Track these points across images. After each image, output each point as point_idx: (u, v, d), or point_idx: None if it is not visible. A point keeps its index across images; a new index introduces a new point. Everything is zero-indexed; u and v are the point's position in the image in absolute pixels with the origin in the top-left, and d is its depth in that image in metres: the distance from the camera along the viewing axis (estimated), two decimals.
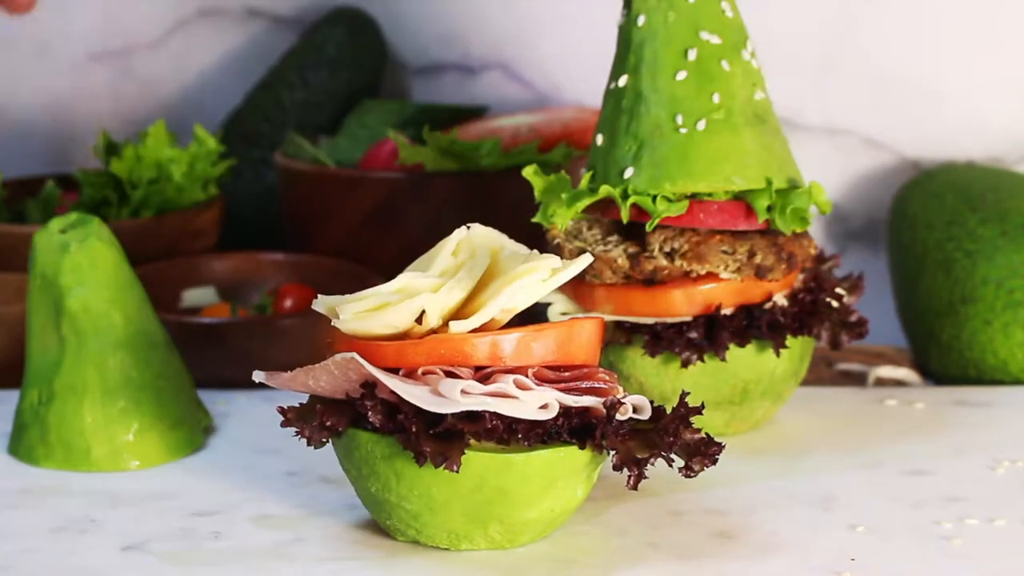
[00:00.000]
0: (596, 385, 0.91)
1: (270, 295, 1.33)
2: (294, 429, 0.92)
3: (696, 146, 1.06)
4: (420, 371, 0.90)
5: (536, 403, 0.89)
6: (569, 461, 0.90)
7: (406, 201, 1.35)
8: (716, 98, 1.07)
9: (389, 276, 0.92)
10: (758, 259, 1.07)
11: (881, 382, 1.26)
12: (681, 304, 1.08)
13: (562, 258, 1.01)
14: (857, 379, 1.28)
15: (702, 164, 1.06)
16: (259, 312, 1.31)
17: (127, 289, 1.09)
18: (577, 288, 1.10)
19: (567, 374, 0.92)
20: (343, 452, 0.93)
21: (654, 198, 1.06)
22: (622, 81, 1.09)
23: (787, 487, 1.02)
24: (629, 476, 0.90)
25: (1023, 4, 1.45)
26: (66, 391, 1.06)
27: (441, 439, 0.88)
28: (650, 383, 1.09)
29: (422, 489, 0.90)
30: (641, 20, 1.08)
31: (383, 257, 1.34)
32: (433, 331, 0.91)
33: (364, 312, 0.91)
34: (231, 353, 1.20)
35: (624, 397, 0.91)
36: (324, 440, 0.92)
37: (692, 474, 0.91)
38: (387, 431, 0.90)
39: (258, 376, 0.94)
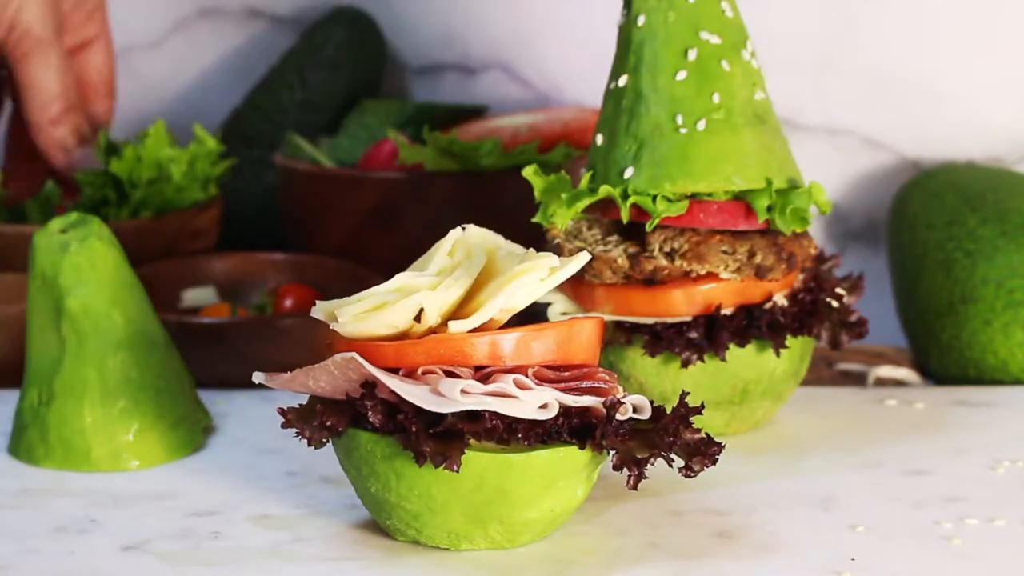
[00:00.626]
0: (596, 385, 0.91)
1: (270, 295, 1.33)
2: (294, 429, 0.92)
3: (696, 146, 1.06)
4: (420, 371, 0.90)
5: (536, 403, 0.89)
6: (569, 461, 0.90)
7: (406, 201, 1.35)
8: (716, 98, 1.07)
9: (389, 276, 0.92)
10: (758, 259, 1.07)
11: (881, 382, 1.26)
12: (681, 304, 1.08)
13: (561, 258, 1.01)
14: (857, 379, 1.28)
15: (702, 164, 1.06)
16: (259, 312, 1.31)
17: (127, 289, 1.09)
18: (577, 288, 1.10)
19: (567, 374, 0.91)
20: (343, 452, 0.93)
21: (654, 198, 1.06)
22: (622, 81, 1.09)
23: (787, 487, 1.02)
24: (629, 476, 0.89)
25: (1023, 4, 1.45)
26: (66, 391, 1.06)
27: (441, 439, 0.88)
28: (650, 383, 1.09)
29: (422, 489, 0.90)
30: (641, 20, 1.08)
31: (383, 257, 1.34)
32: (432, 330, 0.91)
33: (362, 313, 0.91)
34: (231, 353, 1.20)
35: (624, 397, 0.91)
36: (324, 440, 0.92)
37: (692, 474, 0.91)
38: (387, 431, 0.90)
39: (258, 377, 0.94)
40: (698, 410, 0.92)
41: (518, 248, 0.93)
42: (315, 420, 0.91)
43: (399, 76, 1.58)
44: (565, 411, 0.90)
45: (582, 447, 0.90)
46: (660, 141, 1.07)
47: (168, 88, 1.59)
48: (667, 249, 1.07)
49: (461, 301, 0.91)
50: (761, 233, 1.09)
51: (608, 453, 0.91)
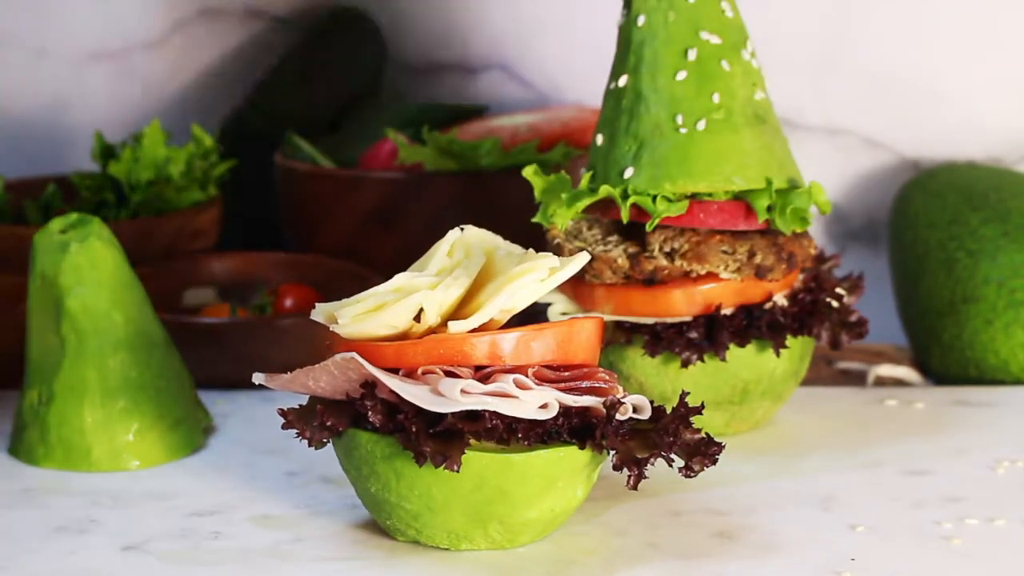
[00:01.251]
0: (596, 385, 0.91)
1: (270, 295, 1.32)
2: (294, 430, 0.92)
3: (696, 146, 1.06)
4: (420, 371, 0.90)
5: (536, 403, 0.89)
6: (569, 461, 0.90)
7: (406, 201, 1.35)
8: (716, 98, 1.07)
9: (389, 276, 0.92)
10: (758, 259, 1.07)
11: (881, 381, 1.26)
12: (681, 304, 1.08)
13: (561, 258, 1.01)
14: (857, 378, 1.28)
15: (702, 164, 1.06)
16: (259, 312, 1.31)
17: (127, 289, 1.09)
18: (577, 288, 1.10)
19: (567, 374, 0.91)
20: (343, 452, 0.93)
21: (654, 198, 1.06)
22: (622, 81, 1.09)
23: (787, 487, 1.02)
24: (629, 476, 0.89)
25: (1023, 4, 1.45)
26: (66, 391, 1.06)
27: (441, 439, 0.88)
28: (650, 383, 1.09)
29: (422, 489, 0.90)
30: (641, 20, 1.08)
31: (383, 257, 1.34)
32: (432, 331, 0.91)
33: (362, 314, 0.91)
34: (231, 353, 1.20)
35: (624, 397, 0.91)
36: (325, 440, 0.92)
37: (692, 474, 0.91)
38: (387, 431, 0.90)
39: (258, 378, 0.94)
40: (698, 410, 0.92)
41: (517, 248, 0.93)
42: (315, 420, 0.91)
43: (399, 76, 1.58)
44: (565, 411, 0.90)
45: (582, 447, 0.90)
46: (660, 141, 1.07)
47: (168, 88, 1.59)
48: (667, 249, 1.07)
49: (461, 301, 0.91)
50: (761, 233, 1.09)
51: (608, 453, 0.91)
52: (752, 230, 1.08)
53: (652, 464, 0.90)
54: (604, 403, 0.90)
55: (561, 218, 1.09)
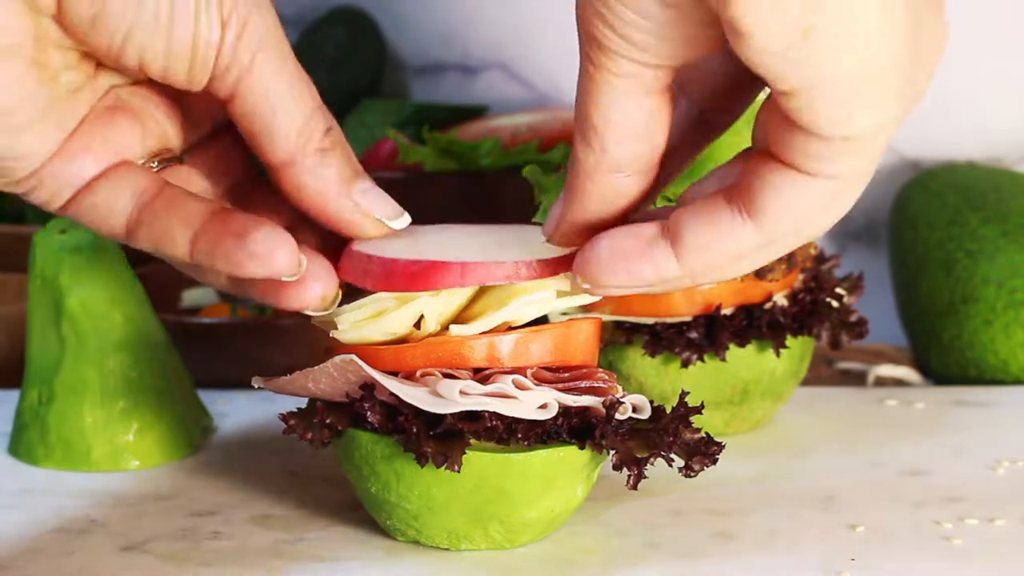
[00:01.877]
0: (595, 385, 0.91)
1: None
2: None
3: None
4: (418, 373, 0.90)
5: (535, 403, 0.89)
6: (569, 461, 0.90)
7: (406, 201, 1.35)
8: None
9: None
10: None
11: (881, 381, 1.26)
12: (681, 304, 1.08)
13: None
14: (857, 378, 1.28)
15: (702, 164, 1.06)
16: (259, 312, 1.31)
17: (127, 289, 1.09)
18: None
19: (566, 375, 0.91)
20: (343, 452, 0.93)
21: None
22: None
23: (787, 487, 1.02)
24: (629, 476, 0.89)
25: (1023, 5, 1.45)
26: (66, 391, 1.06)
27: (442, 439, 0.88)
28: (650, 383, 1.09)
29: (422, 489, 0.90)
30: None
31: None
32: (431, 335, 0.91)
33: (362, 320, 0.91)
34: (231, 353, 1.20)
35: (624, 397, 0.91)
36: (326, 441, 0.92)
37: (692, 474, 0.91)
38: (387, 432, 0.90)
39: (257, 382, 0.93)
40: (698, 410, 0.92)
41: None
42: (315, 419, 0.91)
43: (399, 76, 1.58)
44: (565, 411, 0.90)
45: (582, 447, 0.90)
46: None
47: None
48: None
49: (461, 308, 0.92)
50: None
51: (608, 453, 0.91)
52: None
53: (652, 464, 0.90)
54: (604, 403, 0.90)
55: None
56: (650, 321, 1.08)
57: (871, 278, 1.37)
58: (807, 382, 1.24)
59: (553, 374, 0.91)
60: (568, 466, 0.90)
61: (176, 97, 0.87)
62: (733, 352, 1.08)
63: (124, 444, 1.06)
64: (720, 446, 0.91)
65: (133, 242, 0.84)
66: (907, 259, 1.32)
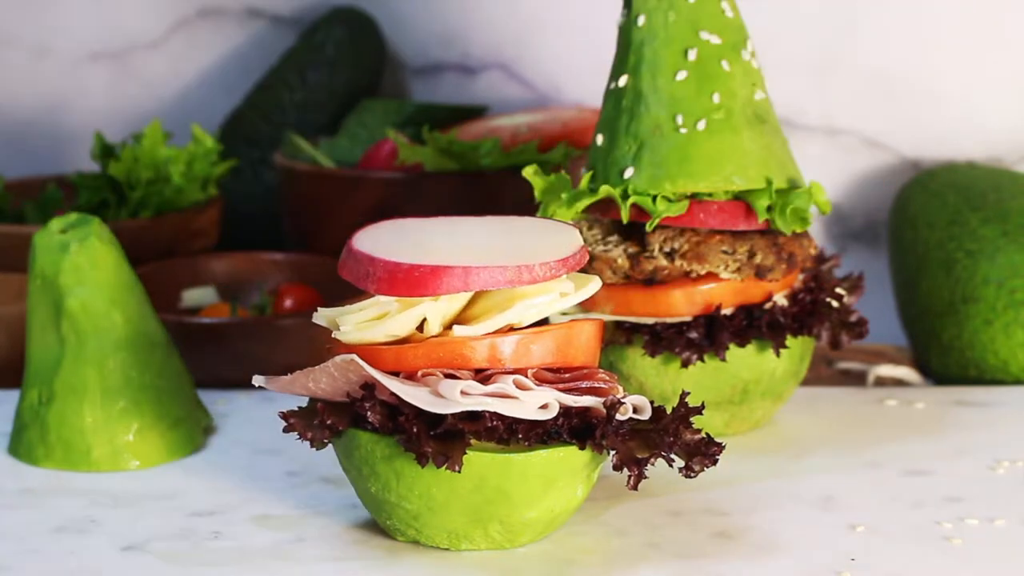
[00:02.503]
0: (596, 385, 0.91)
1: (270, 295, 1.33)
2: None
3: (696, 146, 1.06)
4: (419, 374, 0.90)
5: (536, 403, 0.89)
6: (569, 461, 0.90)
7: (406, 201, 1.35)
8: (716, 98, 1.07)
9: None
10: (758, 259, 1.07)
11: (881, 381, 1.26)
12: (681, 304, 1.08)
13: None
14: (857, 378, 1.28)
15: (702, 164, 1.06)
16: (259, 312, 1.31)
17: (127, 289, 1.09)
18: None
19: (567, 375, 0.91)
20: (343, 452, 0.93)
21: (654, 198, 1.06)
22: (622, 81, 1.09)
23: (787, 487, 1.02)
24: (629, 476, 0.89)
25: (1023, 4, 1.45)
26: (66, 391, 1.06)
27: (442, 439, 0.88)
28: (650, 383, 1.09)
29: (422, 489, 0.90)
30: (641, 20, 1.08)
31: None
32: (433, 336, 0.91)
33: (365, 322, 0.91)
34: (231, 353, 1.20)
35: (624, 397, 0.91)
36: (326, 440, 0.92)
37: (692, 474, 0.91)
38: (387, 432, 0.90)
39: (258, 381, 0.94)
40: (698, 410, 0.92)
41: None
42: (316, 419, 0.91)
43: (399, 76, 1.58)
44: (565, 411, 0.90)
45: (582, 447, 0.90)
46: (660, 141, 1.07)
47: (168, 88, 1.59)
48: (667, 249, 1.07)
49: (463, 309, 0.92)
50: (761, 233, 1.09)
51: (608, 453, 0.91)
52: (752, 230, 1.08)
53: (652, 464, 0.90)
54: (604, 403, 0.90)
55: (561, 218, 1.09)
56: (650, 321, 1.08)
57: (871, 278, 1.37)
58: (807, 382, 1.24)
59: (554, 375, 0.91)
60: (568, 466, 0.90)
61: None
62: (733, 352, 1.08)
63: (124, 444, 1.06)
64: (720, 446, 0.91)
65: None
66: (907, 259, 1.32)
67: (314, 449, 0.92)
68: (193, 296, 1.33)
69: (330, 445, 0.94)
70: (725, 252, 1.07)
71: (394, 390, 0.89)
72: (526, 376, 0.90)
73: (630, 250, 1.08)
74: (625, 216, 1.06)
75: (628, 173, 1.07)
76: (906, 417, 1.15)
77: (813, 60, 1.47)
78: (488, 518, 0.91)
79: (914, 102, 1.47)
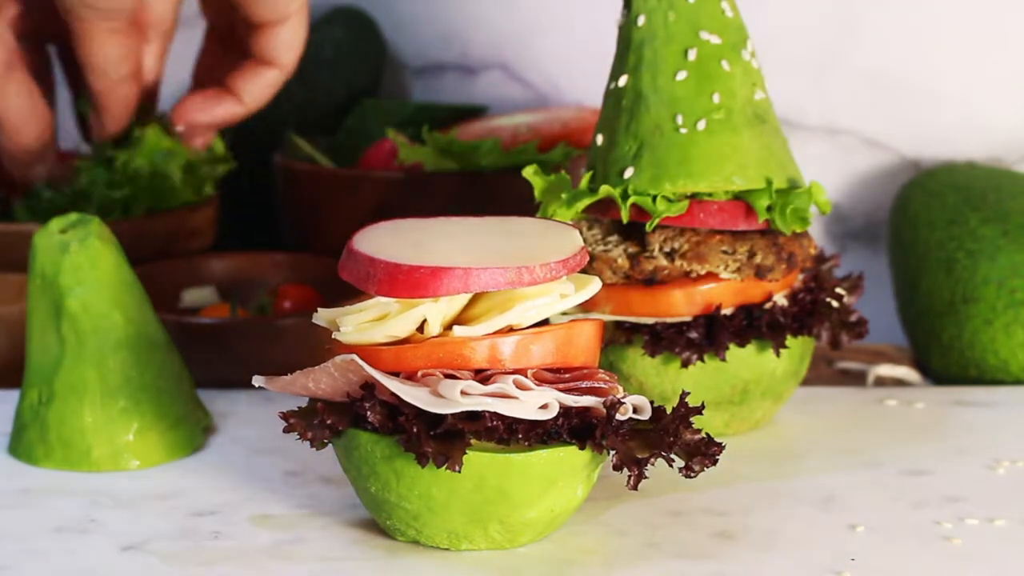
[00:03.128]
0: (596, 385, 0.91)
1: (270, 295, 1.32)
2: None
3: (696, 146, 1.06)
4: (420, 374, 0.90)
5: (536, 403, 0.89)
6: (569, 461, 0.90)
7: (406, 201, 1.35)
8: (716, 98, 1.07)
9: None
10: (758, 259, 1.07)
11: (881, 381, 1.26)
12: (681, 304, 1.08)
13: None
14: (857, 377, 1.28)
15: (702, 164, 1.06)
16: (259, 312, 1.31)
17: (127, 289, 1.09)
18: None
19: (567, 375, 0.91)
20: (343, 452, 0.93)
21: (654, 198, 1.06)
22: (622, 81, 1.09)
23: (787, 487, 1.02)
24: (629, 476, 0.89)
25: (1023, 4, 1.45)
26: (66, 391, 1.06)
27: (442, 439, 0.88)
28: (650, 383, 1.09)
29: (422, 489, 0.90)
30: (641, 20, 1.08)
31: None
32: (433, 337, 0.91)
33: (365, 323, 0.91)
34: (231, 353, 1.20)
35: (624, 397, 0.91)
36: (326, 440, 0.92)
37: (692, 474, 0.91)
38: (387, 432, 0.90)
39: (258, 381, 0.94)
40: (698, 410, 0.92)
41: None
42: (316, 419, 0.91)
43: (399, 76, 1.58)
44: (565, 411, 0.90)
45: (582, 447, 0.90)
46: (660, 141, 1.07)
47: (168, 88, 1.59)
48: (667, 249, 1.07)
49: (463, 310, 0.92)
50: (761, 233, 1.09)
51: (608, 453, 0.91)
52: (752, 230, 1.08)
53: (652, 464, 0.90)
54: (604, 403, 0.90)
55: (561, 218, 1.09)
56: (650, 321, 1.08)
57: (871, 278, 1.37)
58: (807, 382, 1.24)
59: (554, 375, 0.91)
60: (568, 466, 0.90)
61: None
62: (733, 352, 1.08)
63: (124, 444, 1.06)
64: (720, 446, 0.91)
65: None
66: (907, 259, 1.32)
67: (314, 449, 0.92)
68: (193, 296, 1.33)
69: (330, 445, 0.94)
70: (725, 252, 1.07)
71: (394, 390, 0.89)
72: (526, 376, 0.90)
73: (630, 250, 1.08)
74: (625, 216, 1.06)
75: (628, 173, 1.07)
76: (906, 417, 1.15)
77: (813, 60, 1.47)
78: (488, 518, 0.91)
79: (914, 102, 1.47)
